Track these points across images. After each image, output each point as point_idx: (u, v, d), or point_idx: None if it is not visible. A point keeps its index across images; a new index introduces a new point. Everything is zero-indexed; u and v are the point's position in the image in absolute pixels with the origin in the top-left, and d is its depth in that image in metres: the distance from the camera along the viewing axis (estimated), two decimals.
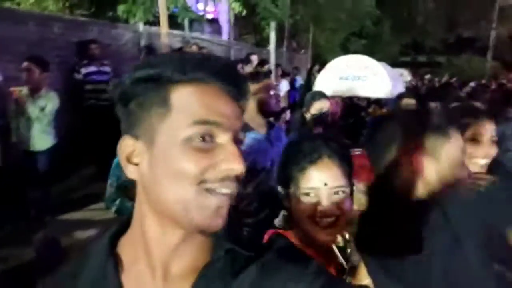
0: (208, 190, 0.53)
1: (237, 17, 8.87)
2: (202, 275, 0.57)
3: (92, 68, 4.87)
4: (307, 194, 0.98)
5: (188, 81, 0.55)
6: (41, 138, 3.54)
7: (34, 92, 3.42)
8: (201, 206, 0.53)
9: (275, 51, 8.32)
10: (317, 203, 0.97)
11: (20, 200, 3.76)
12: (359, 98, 5.48)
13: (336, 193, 0.98)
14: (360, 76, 5.19)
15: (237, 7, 6.11)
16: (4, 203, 3.72)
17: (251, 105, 2.22)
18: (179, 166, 0.53)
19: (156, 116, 0.54)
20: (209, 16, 8.90)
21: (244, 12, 6.48)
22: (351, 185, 1.02)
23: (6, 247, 3.22)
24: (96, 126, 4.54)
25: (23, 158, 3.59)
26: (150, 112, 0.55)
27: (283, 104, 6.62)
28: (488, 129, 1.32)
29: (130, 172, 0.57)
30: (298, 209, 1.00)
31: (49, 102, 3.47)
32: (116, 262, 0.58)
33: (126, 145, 0.57)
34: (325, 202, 0.97)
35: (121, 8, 5.63)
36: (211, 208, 0.53)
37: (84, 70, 4.88)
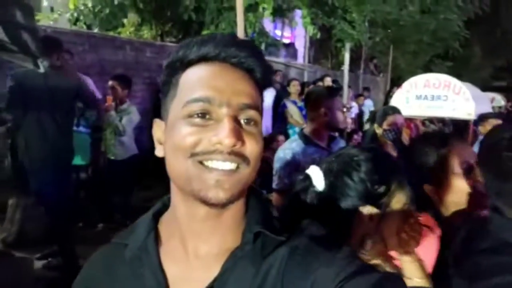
0: (202, 164, 0.55)
1: (314, 41, 9.00)
2: (231, 257, 0.59)
3: None
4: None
5: (197, 61, 0.59)
6: (120, 148, 3.94)
7: (117, 106, 3.87)
8: (199, 179, 0.55)
9: (351, 73, 8.23)
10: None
11: (105, 204, 4.17)
12: (439, 120, 5.16)
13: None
14: (440, 95, 4.89)
15: (311, 29, 6.21)
16: (92, 207, 4.15)
17: (319, 118, 2.25)
18: (175, 139, 0.57)
19: (170, 98, 0.60)
20: (286, 40, 9.16)
21: (319, 35, 6.57)
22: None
23: (92, 247, 3.57)
24: None
25: (108, 166, 4.00)
26: (167, 96, 0.61)
27: (353, 125, 6.50)
28: None
29: (158, 150, 0.63)
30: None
31: (129, 115, 3.88)
32: (156, 237, 0.63)
33: (156, 128, 0.64)
34: None
35: (204, 34, 6.08)
36: (210, 181, 0.55)
37: None
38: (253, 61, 0.60)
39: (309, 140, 2.20)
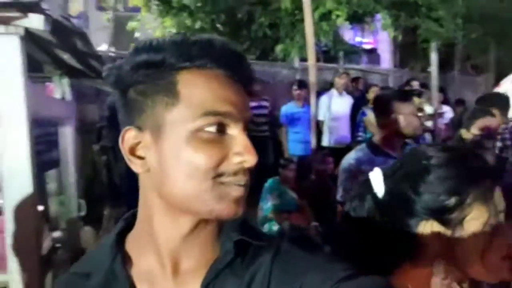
0: (222, 182, 0.52)
1: (399, 45, 8.49)
2: (212, 269, 0.55)
3: (253, 103, 5.43)
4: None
5: (193, 67, 0.53)
6: None
7: None
8: (219, 197, 0.52)
9: (444, 75, 7.52)
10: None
11: None
12: None
13: None
14: None
15: (392, 32, 5.86)
16: None
17: (389, 124, 2.08)
18: (192, 160, 0.51)
19: (162, 105, 0.52)
20: (367, 46, 8.79)
21: (401, 37, 6.16)
22: None
23: None
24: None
25: None
26: (155, 100, 0.52)
27: (447, 132, 5.87)
28: None
29: (135, 165, 0.54)
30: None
31: None
32: (124, 259, 0.57)
33: (130, 137, 0.54)
34: None
35: (279, 48, 6.15)
36: (230, 199, 0.52)
37: None
38: (249, 72, 0.57)
39: (377, 149, 2.04)
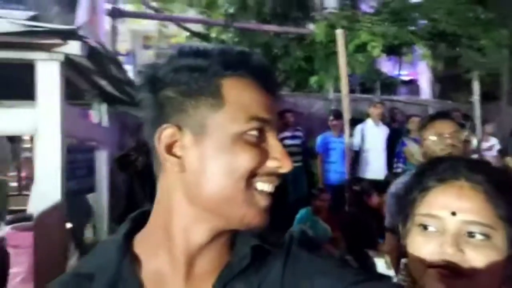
0: (255, 187, 0.54)
1: (441, 76, 8.28)
2: (224, 273, 0.55)
3: (287, 134, 5.43)
4: (424, 227, 0.69)
5: (235, 75, 0.55)
6: None
7: None
8: (250, 202, 0.53)
9: (489, 105, 7.18)
10: (437, 242, 0.67)
11: None
12: None
13: (471, 233, 0.66)
14: None
15: (430, 62, 5.75)
16: None
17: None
18: (234, 160, 0.52)
19: (207, 107, 0.53)
20: (406, 78, 8.66)
21: (441, 67, 6.01)
22: (509, 236, 0.66)
23: None
24: (284, 182, 4.94)
25: None
26: (198, 102, 0.53)
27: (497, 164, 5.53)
28: None
29: (172, 164, 0.54)
30: (410, 249, 0.71)
31: None
32: (132, 261, 0.56)
33: (167, 135, 0.53)
34: (449, 240, 0.65)
35: (313, 80, 6.21)
36: (260, 206, 0.54)
37: (280, 135, 5.51)
38: (277, 85, 0.61)
39: None
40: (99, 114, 2.59)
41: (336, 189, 4.65)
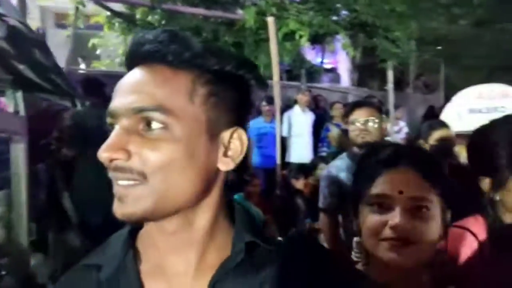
0: None
1: (358, 65, 8.85)
2: (221, 269, 0.56)
3: None
4: (376, 206, 0.81)
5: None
6: None
7: None
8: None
9: (399, 93, 7.89)
10: (388, 218, 0.79)
11: None
12: None
13: (416, 207, 0.78)
14: (496, 107, 4.48)
15: (351, 51, 6.10)
16: None
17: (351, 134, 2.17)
18: None
19: None
20: (328, 66, 9.12)
21: (359, 57, 6.42)
22: (442, 207, 0.81)
23: None
24: None
25: None
26: None
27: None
28: None
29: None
30: (365, 226, 0.82)
31: None
32: (135, 254, 0.59)
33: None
34: (398, 215, 0.77)
35: None
36: (115, 197, 0.54)
37: None
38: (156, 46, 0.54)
39: (355, 157, 2.13)
40: (14, 102, 2.32)
41: (268, 173, 4.79)
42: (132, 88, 0.53)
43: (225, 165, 0.55)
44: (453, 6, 8.41)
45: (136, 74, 0.54)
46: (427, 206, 0.78)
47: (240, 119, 0.57)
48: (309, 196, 4.43)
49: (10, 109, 2.33)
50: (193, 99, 0.52)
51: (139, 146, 0.51)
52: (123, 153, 0.51)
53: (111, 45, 7.01)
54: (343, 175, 2.14)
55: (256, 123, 5.25)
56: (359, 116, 2.13)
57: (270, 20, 4.44)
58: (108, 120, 0.54)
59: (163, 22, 6.24)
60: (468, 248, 1.05)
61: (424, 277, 0.81)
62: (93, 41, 6.94)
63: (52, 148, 3.35)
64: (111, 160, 0.51)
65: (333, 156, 4.89)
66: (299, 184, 4.74)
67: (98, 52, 7.31)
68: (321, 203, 2.25)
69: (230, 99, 0.55)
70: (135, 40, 0.55)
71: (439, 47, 9.50)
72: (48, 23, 10.42)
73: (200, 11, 6.31)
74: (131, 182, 0.51)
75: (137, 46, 0.54)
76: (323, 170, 2.30)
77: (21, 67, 1.94)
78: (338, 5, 6.46)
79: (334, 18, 6.47)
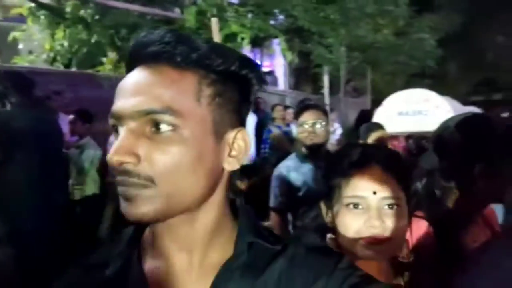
0: None
1: (294, 68, 9.16)
2: (224, 269, 0.55)
3: None
4: (352, 206, 0.83)
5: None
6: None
7: (78, 141, 3.82)
8: None
9: (332, 97, 8.32)
10: (365, 217, 0.82)
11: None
12: (421, 136, 5.18)
13: (389, 205, 0.82)
14: (421, 110, 4.94)
15: (289, 56, 6.30)
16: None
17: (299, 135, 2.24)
18: None
19: None
20: (266, 69, 9.32)
21: (297, 61, 6.66)
22: (409, 204, 0.86)
23: None
24: None
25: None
26: None
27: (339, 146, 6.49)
28: None
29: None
30: (341, 226, 0.84)
31: (88, 149, 3.78)
32: (140, 252, 0.58)
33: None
34: (374, 214, 0.81)
35: None
36: (122, 197, 0.52)
37: None
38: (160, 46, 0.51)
39: (304, 158, 2.18)
40: None
41: None
42: (138, 90, 0.51)
43: (230, 165, 0.55)
44: (377, 16, 9.09)
45: (141, 75, 0.52)
46: (398, 204, 0.82)
47: (242, 118, 0.57)
48: (254, 197, 4.49)
49: None
50: (199, 99, 0.52)
51: (148, 150, 0.50)
52: (133, 157, 0.50)
53: (36, 40, 6.45)
54: (293, 175, 2.21)
55: None
56: (308, 119, 2.22)
57: (213, 20, 4.40)
58: (111, 121, 0.52)
59: (96, 17, 5.90)
60: (419, 233, 1.11)
61: (384, 265, 0.85)
62: (13, 34, 6.33)
63: None
64: (121, 164, 0.50)
65: (276, 157, 5.03)
66: (243, 185, 4.78)
67: (20, 47, 6.68)
68: (272, 203, 2.29)
69: (234, 99, 0.55)
70: (138, 40, 0.53)
71: (365, 54, 10.20)
72: None
73: (136, 7, 6.08)
74: (139, 187, 0.51)
75: (142, 47, 0.52)
76: (275, 169, 2.34)
77: None
78: (276, 10, 6.65)
79: (272, 22, 6.65)
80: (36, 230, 2.90)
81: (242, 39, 5.58)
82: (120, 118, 0.51)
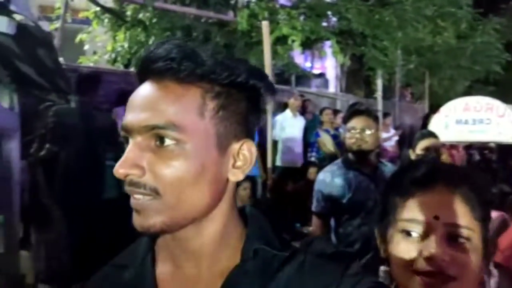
0: None
1: (346, 71, 8.98)
2: (231, 276, 0.56)
3: None
4: (408, 232, 0.70)
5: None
6: None
7: None
8: None
9: (386, 101, 8.05)
10: (422, 247, 0.67)
11: None
12: (483, 147, 4.86)
13: (454, 236, 0.67)
14: (482, 119, 4.62)
15: (341, 58, 6.18)
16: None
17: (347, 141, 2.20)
18: None
19: None
20: (317, 71, 9.21)
21: (349, 64, 6.51)
22: (484, 236, 0.69)
23: None
24: None
25: None
26: None
27: (394, 154, 6.24)
28: None
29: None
30: (394, 255, 0.71)
31: None
32: (154, 256, 0.60)
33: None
34: (434, 244, 0.66)
35: None
36: (133, 209, 0.55)
37: None
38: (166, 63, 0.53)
39: (350, 164, 2.15)
40: (10, 98, 2.25)
41: (252, 179, 4.66)
42: (145, 105, 0.53)
43: (235, 176, 0.56)
44: (437, 18, 8.64)
45: (148, 90, 0.54)
46: (468, 236, 0.67)
47: (249, 129, 0.57)
48: (298, 201, 4.45)
49: (5, 105, 2.26)
50: (203, 114, 0.53)
51: (152, 163, 0.52)
52: (138, 169, 0.52)
53: (99, 41, 6.89)
54: (338, 181, 2.16)
55: None
56: (357, 124, 2.16)
57: (264, 23, 4.44)
58: (122, 133, 0.55)
59: (154, 20, 6.18)
60: None
61: None
62: (80, 36, 6.80)
63: (34, 145, 3.25)
64: (126, 176, 0.53)
65: (323, 161, 4.96)
66: (289, 188, 4.77)
67: (85, 48, 7.17)
68: (314, 207, 2.26)
69: (239, 110, 0.56)
70: (146, 54, 0.54)
71: (423, 57, 9.74)
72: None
73: (192, 10, 6.28)
74: (146, 197, 0.53)
75: (149, 62, 0.54)
76: (317, 175, 2.31)
77: (21, 65, 1.88)
78: (329, 12, 6.55)
79: (325, 24, 6.56)
80: (86, 217, 3.09)
81: (293, 41, 5.55)
82: (128, 132, 0.54)
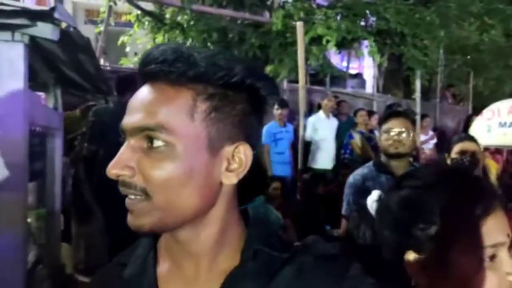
0: None
1: (383, 71, 8.74)
2: (230, 277, 0.56)
3: None
4: (491, 257, 0.68)
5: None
6: None
7: None
8: None
9: (426, 102, 7.76)
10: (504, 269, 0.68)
11: None
12: None
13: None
14: None
15: (378, 58, 6.03)
16: None
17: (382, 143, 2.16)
18: None
19: None
20: (353, 71, 9.02)
21: (386, 64, 6.34)
22: None
23: None
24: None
25: None
26: None
27: (432, 157, 6.02)
28: None
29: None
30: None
31: None
32: (155, 255, 0.62)
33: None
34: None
35: (268, 69, 6.25)
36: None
37: None
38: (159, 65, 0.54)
39: (382, 168, 2.10)
40: (54, 99, 2.41)
41: (283, 180, 4.51)
42: (139, 107, 0.54)
43: (228, 179, 0.55)
44: (485, 15, 8.22)
45: (144, 92, 0.55)
46: None
47: (247, 131, 0.56)
48: (330, 203, 4.41)
49: (50, 105, 2.42)
50: (193, 116, 0.53)
51: (142, 164, 0.53)
52: (129, 170, 0.53)
53: (140, 43, 7.15)
54: (369, 184, 2.13)
55: (271, 128, 4.91)
56: (394, 126, 2.11)
57: (299, 24, 4.43)
58: (122, 135, 0.56)
59: (191, 22, 6.33)
60: None
61: None
62: (122, 38, 7.10)
63: (76, 143, 3.46)
64: (117, 176, 0.54)
65: (356, 163, 4.86)
66: (320, 189, 4.73)
67: (127, 49, 7.46)
68: (344, 210, 2.24)
69: (234, 112, 0.55)
70: (143, 57, 0.56)
71: (467, 57, 9.30)
72: (78, 19, 10.69)
73: (228, 12, 6.38)
74: (137, 197, 0.54)
75: (144, 64, 0.55)
76: (348, 177, 2.28)
77: (65, 68, 2.01)
78: (367, 12, 6.41)
79: (362, 24, 6.43)
80: (124, 212, 3.22)
81: (328, 41, 5.49)
82: (124, 133, 0.55)
